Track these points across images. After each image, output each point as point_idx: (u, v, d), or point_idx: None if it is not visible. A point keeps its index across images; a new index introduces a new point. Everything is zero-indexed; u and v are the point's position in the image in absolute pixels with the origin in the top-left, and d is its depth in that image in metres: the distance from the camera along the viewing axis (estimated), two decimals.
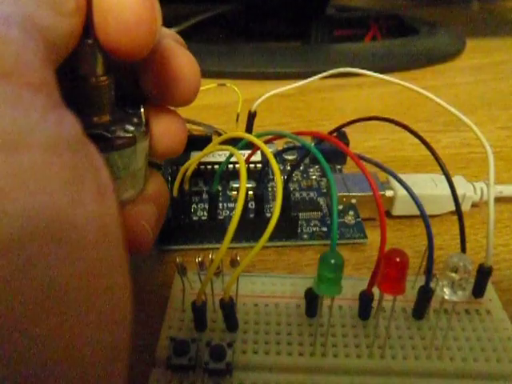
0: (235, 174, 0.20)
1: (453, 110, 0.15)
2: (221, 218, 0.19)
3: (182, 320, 0.14)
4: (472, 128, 0.14)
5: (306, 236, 0.18)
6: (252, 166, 0.20)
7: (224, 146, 0.14)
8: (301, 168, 0.22)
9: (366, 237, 0.18)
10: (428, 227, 0.13)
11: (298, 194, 0.20)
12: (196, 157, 0.16)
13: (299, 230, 0.18)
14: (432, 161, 0.14)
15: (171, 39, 0.13)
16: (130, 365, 0.11)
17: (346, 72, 0.18)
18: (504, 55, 0.42)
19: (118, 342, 0.08)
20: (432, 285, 0.13)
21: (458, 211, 0.14)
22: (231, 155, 0.16)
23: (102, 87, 0.11)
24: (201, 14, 0.46)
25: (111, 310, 0.08)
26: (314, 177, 0.22)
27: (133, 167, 0.12)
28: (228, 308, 0.13)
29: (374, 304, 0.14)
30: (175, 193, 0.16)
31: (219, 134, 0.24)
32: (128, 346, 0.09)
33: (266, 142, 0.14)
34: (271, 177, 0.22)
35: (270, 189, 0.21)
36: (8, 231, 0.06)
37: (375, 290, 0.13)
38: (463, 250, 0.14)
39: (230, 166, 0.20)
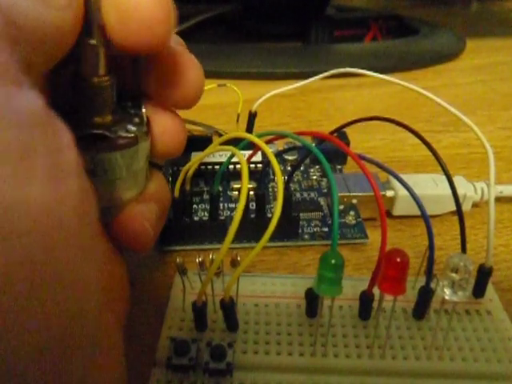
0: (236, 175, 0.20)
1: (453, 110, 0.15)
2: (222, 218, 0.19)
3: (182, 320, 0.14)
4: (472, 128, 0.14)
5: (306, 236, 0.18)
6: (252, 166, 0.20)
7: (225, 147, 0.14)
8: (301, 168, 0.22)
9: (366, 237, 0.18)
10: (429, 227, 0.13)
11: (298, 195, 0.20)
12: (197, 157, 0.16)
13: (300, 231, 0.18)
14: (432, 161, 0.14)
15: (176, 42, 0.13)
16: (130, 365, 0.11)
17: (346, 72, 0.18)
18: (504, 55, 0.42)
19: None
20: (432, 285, 0.13)
21: (459, 211, 0.14)
22: (232, 155, 0.16)
23: (103, 88, 0.12)
24: (201, 14, 0.46)
25: (66, 300, 0.08)
26: (314, 177, 0.22)
27: (134, 167, 0.12)
28: (228, 308, 0.13)
29: (375, 304, 0.14)
30: (177, 193, 0.16)
31: (219, 135, 0.24)
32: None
33: (267, 143, 0.14)
34: (272, 177, 0.22)
35: (270, 189, 0.21)
36: None
37: (375, 291, 0.13)
38: (463, 250, 0.14)
39: (231, 166, 0.20)
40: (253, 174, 0.20)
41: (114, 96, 0.12)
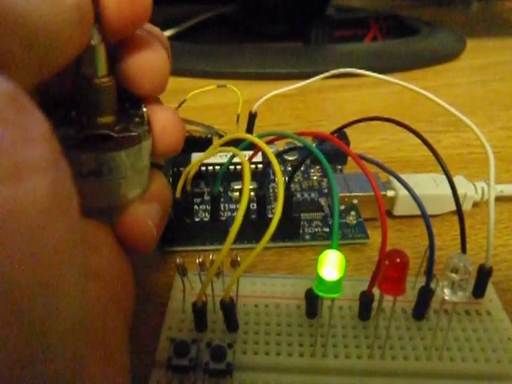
0: (236, 175, 0.20)
1: (453, 110, 0.15)
2: (223, 219, 0.19)
3: (182, 321, 0.14)
4: (472, 128, 0.14)
5: (307, 237, 0.18)
6: (253, 166, 0.20)
7: (227, 148, 0.14)
8: (302, 168, 0.22)
9: (367, 237, 0.18)
10: (429, 228, 0.13)
11: (299, 195, 0.20)
12: (199, 158, 0.16)
13: (301, 231, 0.18)
14: (432, 161, 0.14)
15: (148, 30, 0.13)
16: (131, 366, 0.11)
17: (346, 72, 0.18)
18: (504, 55, 0.42)
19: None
20: (432, 285, 0.13)
21: (459, 211, 0.14)
22: (233, 156, 0.16)
23: (105, 88, 0.12)
24: (201, 14, 0.46)
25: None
26: (314, 177, 0.22)
27: (138, 166, 0.13)
28: (228, 309, 0.13)
29: (375, 305, 0.14)
30: (178, 194, 0.16)
31: (220, 135, 0.24)
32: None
33: (267, 143, 0.14)
34: (272, 177, 0.22)
35: (271, 190, 0.21)
36: None
37: (375, 291, 0.13)
38: (463, 250, 0.14)
39: (231, 167, 0.20)
40: (253, 175, 0.20)
41: (115, 96, 0.12)
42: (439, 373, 0.13)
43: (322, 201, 0.20)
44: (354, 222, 0.19)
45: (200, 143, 0.22)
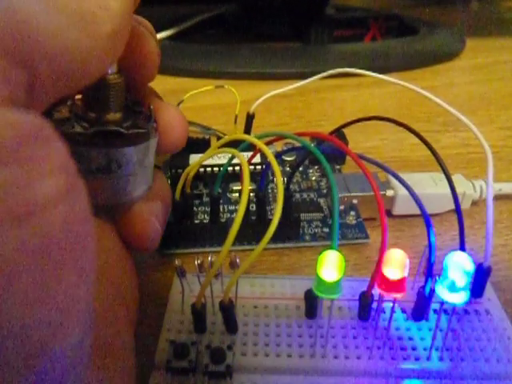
0: (235, 177, 0.20)
1: (452, 110, 0.15)
2: (222, 220, 0.19)
3: (181, 322, 0.14)
4: (471, 128, 0.14)
5: (307, 237, 0.18)
6: (252, 167, 0.20)
7: (227, 149, 0.14)
8: (300, 169, 0.22)
9: (367, 237, 0.18)
10: (429, 228, 0.13)
11: (298, 196, 0.20)
12: (198, 159, 0.16)
13: (301, 232, 0.18)
14: (432, 161, 0.14)
15: (143, 26, 0.13)
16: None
17: (345, 72, 0.18)
18: (504, 55, 0.42)
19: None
20: (431, 285, 0.13)
21: (458, 210, 0.14)
22: (232, 157, 0.16)
23: (115, 85, 0.12)
24: (200, 14, 0.46)
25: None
26: (313, 178, 0.22)
27: (146, 162, 0.13)
28: (228, 310, 0.13)
29: (374, 305, 0.14)
30: (177, 196, 0.16)
31: (218, 136, 0.24)
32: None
33: (266, 144, 0.14)
34: (271, 178, 0.22)
35: (270, 190, 0.21)
36: None
37: (375, 291, 0.13)
38: (462, 249, 0.14)
39: (230, 168, 0.20)
40: (253, 176, 0.20)
41: (124, 93, 0.12)
42: (439, 373, 0.13)
43: (322, 201, 0.20)
44: (354, 222, 0.19)
45: (198, 144, 0.21)
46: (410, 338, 0.13)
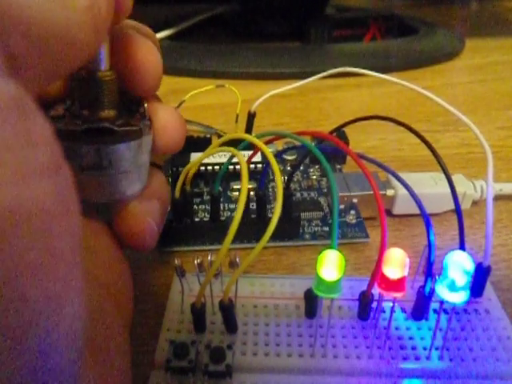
0: (236, 175, 0.20)
1: (452, 109, 0.15)
2: (222, 219, 0.19)
3: (181, 322, 0.14)
4: (471, 128, 0.14)
5: (307, 236, 0.18)
6: (252, 166, 0.20)
7: (226, 148, 0.14)
8: (301, 168, 0.22)
9: (367, 236, 0.18)
10: (428, 227, 0.13)
11: (298, 194, 0.20)
12: (198, 158, 0.16)
13: (301, 231, 0.18)
14: (431, 161, 0.14)
15: (134, 29, 0.13)
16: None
17: (345, 72, 0.18)
18: (503, 55, 0.42)
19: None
20: (431, 284, 0.13)
21: (458, 210, 0.14)
22: (232, 156, 0.16)
23: (107, 82, 0.12)
24: (201, 14, 0.46)
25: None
26: (314, 177, 0.22)
27: (139, 161, 0.13)
28: (227, 310, 0.13)
29: (374, 304, 0.14)
30: (177, 194, 0.16)
31: (218, 135, 0.24)
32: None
33: (266, 143, 0.14)
34: (272, 177, 0.22)
35: (270, 189, 0.21)
36: None
37: (375, 291, 0.13)
38: (462, 249, 0.14)
39: (231, 167, 0.20)
40: (253, 175, 0.20)
41: (116, 90, 0.12)
42: (439, 372, 0.13)
43: (322, 200, 0.20)
44: (354, 221, 0.19)
45: (199, 143, 0.22)
46: (410, 338, 0.13)
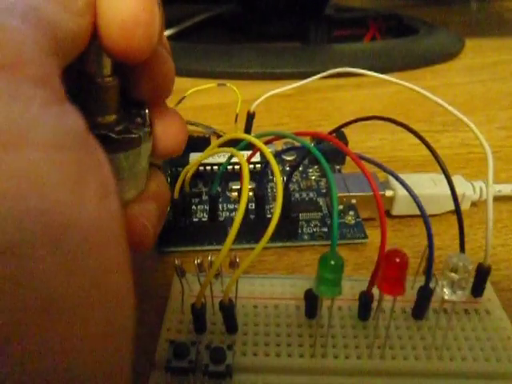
0: (234, 175, 0.20)
1: (452, 109, 0.15)
2: (221, 219, 0.19)
3: (181, 322, 0.14)
4: (471, 128, 0.14)
5: (306, 237, 0.18)
6: (251, 166, 0.20)
7: (225, 148, 0.14)
8: (300, 168, 0.22)
9: (366, 237, 0.18)
10: (428, 227, 0.13)
11: (297, 195, 0.20)
12: (197, 158, 0.15)
13: (299, 231, 0.18)
14: (431, 161, 0.14)
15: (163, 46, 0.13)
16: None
17: (345, 72, 0.18)
18: (503, 55, 0.42)
19: (120, 353, 0.08)
20: (431, 285, 0.13)
21: (458, 211, 0.14)
22: (231, 156, 0.16)
23: (108, 88, 0.11)
24: (201, 14, 0.46)
25: (113, 318, 0.08)
26: (313, 177, 0.22)
27: (137, 168, 0.12)
28: (227, 310, 0.13)
29: (374, 304, 0.14)
30: (176, 194, 0.16)
31: (218, 135, 0.24)
32: (130, 355, 0.08)
33: (266, 143, 0.14)
34: (271, 177, 0.22)
35: (269, 189, 0.21)
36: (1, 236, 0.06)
37: (375, 291, 0.13)
38: (462, 249, 0.14)
39: (229, 167, 0.20)
40: (252, 175, 0.20)
41: (117, 97, 0.12)
42: (439, 372, 0.13)
43: (321, 201, 0.20)
44: (353, 221, 0.19)
45: (198, 143, 0.22)
46: (410, 338, 0.13)
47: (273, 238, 0.17)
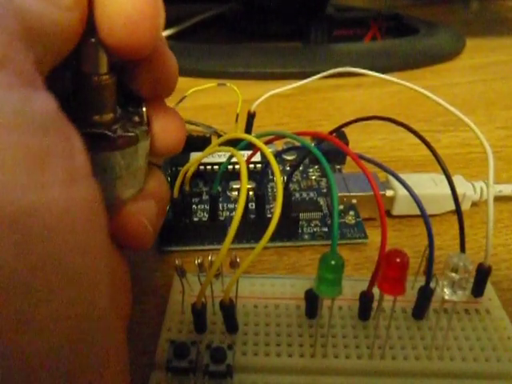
0: (235, 175, 0.20)
1: (452, 109, 0.15)
2: (221, 218, 0.19)
3: (181, 322, 0.14)
4: (472, 128, 0.14)
5: (306, 236, 0.18)
6: (251, 166, 0.20)
7: (225, 148, 0.14)
8: (300, 168, 0.22)
9: (366, 237, 0.18)
10: (428, 227, 0.13)
11: (297, 195, 0.20)
12: (197, 158, 0.15)
13: (300, 231, 0.18)
14: (432, 161, 0.14)
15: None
16: (130, 368, 0.11)
17: (345, 72, 0.18)
18: (503, 55, 0.42)
19: (89, 331, 0.08)
20: (432, 285, 0.13)
21: (458, 211, 0.14)
22: (232, 156, 0.16)
23: (104, 86, 0.11)
24: (201, 13, 0.46)
25: (80, 299, 0.08)
26: (313, 177, 0.22)
27: (134, 166, 0.12)
28: (228, 310, 0.13)
29: (374, 304, 0.14)
30: (176, 194, 0.16)
31: (218, 135, 0.24)
32: (105, 337, 0.09)
33: (266, 143, 0.14)
34: (271, 177, 0.22)
35: (270, 189, 0.21)
36: None
37: (375, 291, 0.13)
38: (463, 249, 0.14)
39: (230, 166, 0.20)
40: (252, 175, 0.20)
41: (114, 95, 0.12)
42: (439, 372, 0.13)
43: (321, 200, 0.20)
44: (353, 221, 0.19)
45: (199, 143, 0.22)
46: (411, 338, 0.13)
47: (273, 238, 0.17)
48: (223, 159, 0.20)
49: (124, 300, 0.12)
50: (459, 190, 0.19)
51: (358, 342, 0.13)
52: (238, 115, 0.23)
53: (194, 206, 0.19)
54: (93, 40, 0.11)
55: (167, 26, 0.40)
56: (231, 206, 0.20)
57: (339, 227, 0.18)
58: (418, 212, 0.13)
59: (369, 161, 0.15)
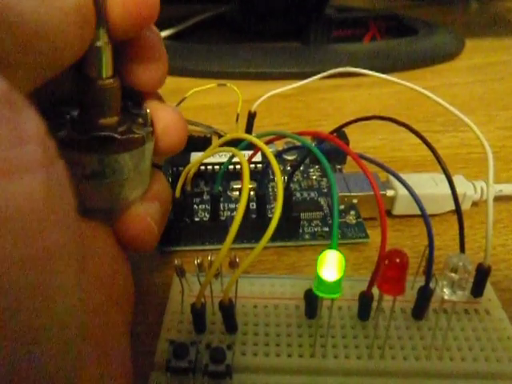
0: (236, 175, 0.20)
1: (452, 109, 0.15)
2: (222, 218, 0.19)
3: (181, 322, 0.14)
4: (472, 128, 0.14)
5: (307, 236, 0.18)
6: (252, 166, 0.20)
7: (226, 148, 0.14)
8: (301, 168, 0.22)
9: (367, 236, 0.18)
10: (428, 227, 0.13)
11: (298, 194, 0.20)
12: (198, 158, 0.16)
13: (301, 231, 0.18)
14: (432, 161, 0.14)
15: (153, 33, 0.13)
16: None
17: (345, 72, 0.18)
18: (503, 55, 0.42)
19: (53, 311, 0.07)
20: (431, 285, 0.13)
21: (458, 211, 0.14)
22: (233, 156, 0.16)
23: (109, 89, 0.12)
24: (201, 13, 0.46)
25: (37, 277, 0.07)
26: (314, 177, 0.22)
27: (141, 167, 0.13)
28: (227, 310, 0.13)
29: (374, 305, 0.14)
30: (177, 194, 0.16)
31: (219, 135, 0.24)
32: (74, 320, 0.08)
33: (266, 143, 0.14)
34: (272, 177, 0.22)
35: (270, 189, 0.21)
36: None
37: (375, 291, 0.13)
38: (462, 250, 0.14)
39: (231, 166, 0.20)
40: (253, 175, 0.20)
41: (119, 98, 0.12)
42: (439, 372, 0.13)
43: (322, 200, 0.20)
44: (354, 221, 0.19)
45: (199, 143, 0.22)
46: (410, 338, 0.13)
47: (274, 238, 0.17)
48: (224, 159, 0.20)
49: (127, 299, 0.12)
50: (460, 190, 0.19)
51: (357, 342, 0.13)
52: (238, 115, 0.23)
53: (195, 206, 0.19)
54: (97, 44, 0.11)
55: (167, 26, 0.41)
56: (232, 205, 0.20)
57: (340, 227, 0.18)
58: (418, 212, 0.13)
59: (369, 161, 0.15)
